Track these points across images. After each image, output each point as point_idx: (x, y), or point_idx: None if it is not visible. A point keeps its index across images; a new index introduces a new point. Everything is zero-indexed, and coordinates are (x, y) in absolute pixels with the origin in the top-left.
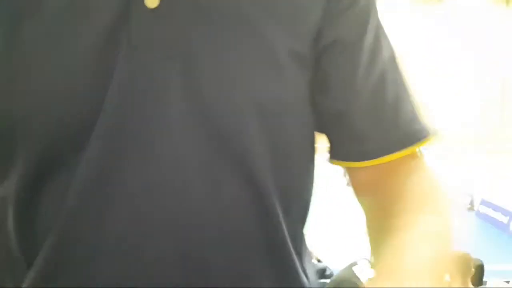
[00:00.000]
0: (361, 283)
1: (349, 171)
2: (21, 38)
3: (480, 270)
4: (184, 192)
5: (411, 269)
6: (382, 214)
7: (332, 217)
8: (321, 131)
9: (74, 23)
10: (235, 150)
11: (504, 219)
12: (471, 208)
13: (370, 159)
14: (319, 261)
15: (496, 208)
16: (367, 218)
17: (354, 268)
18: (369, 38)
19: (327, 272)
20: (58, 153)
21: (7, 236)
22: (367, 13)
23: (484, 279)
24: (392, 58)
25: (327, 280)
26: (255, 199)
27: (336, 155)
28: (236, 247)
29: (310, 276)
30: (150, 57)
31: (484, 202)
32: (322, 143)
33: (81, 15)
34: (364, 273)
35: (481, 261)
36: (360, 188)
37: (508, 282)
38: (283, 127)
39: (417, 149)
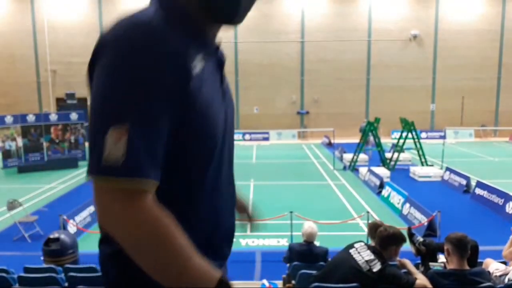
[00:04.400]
0: (359, 265)
1: None
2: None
3: (475, 250)
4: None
5: None
6: None
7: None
8: None
9: (218, 104)
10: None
11: (500, 201)
12: (467, 190)
13: None
14: (309, 242)
15: (491, 190)
16: None
17: (351, 251)
18: None
19: None
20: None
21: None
22: None
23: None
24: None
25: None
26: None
27: None
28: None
29: None
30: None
31: (480, 184)
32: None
33: (218, 98)
34: (361, 255)
35: (476, 241)
36: None
37: (505, 263)
38: None
39: None
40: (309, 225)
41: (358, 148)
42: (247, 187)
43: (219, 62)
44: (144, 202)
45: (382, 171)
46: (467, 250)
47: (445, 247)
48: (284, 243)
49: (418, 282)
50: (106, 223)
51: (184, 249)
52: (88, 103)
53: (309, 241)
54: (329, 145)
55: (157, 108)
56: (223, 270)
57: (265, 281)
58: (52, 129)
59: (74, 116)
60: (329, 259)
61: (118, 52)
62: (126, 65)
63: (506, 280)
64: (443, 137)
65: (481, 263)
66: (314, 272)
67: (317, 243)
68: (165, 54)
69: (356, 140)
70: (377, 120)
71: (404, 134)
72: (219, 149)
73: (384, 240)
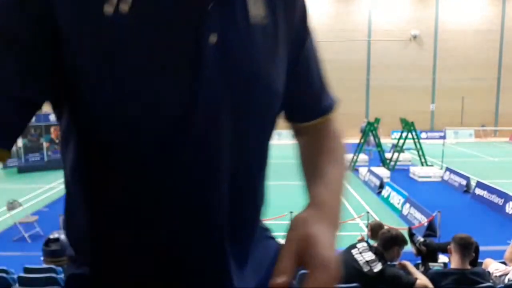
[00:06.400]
0: (360, 265)
1: (294, 127)
2: (125, 60)
3: (475, 251)
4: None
5: (330, 205)
6: (311, 151)
7: None
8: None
9: (162, 59)
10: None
11: (500, 201)
12: (467, 191)
13: (312, 119)
14: None
15: (491, 190)
16: (300, 151)
17: (353, 251)
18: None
19: None
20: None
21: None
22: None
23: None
24: (313, 43)
25: None
26: None
27: (289, 119)
28: None
29: None
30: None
31: (480, 185)
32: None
33: (166, 51)
34: (362, 255)
35: (476, 242)
36: (299, 132)
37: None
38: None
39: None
40: None
41: (358, 148)
42: None
43: None
44: None
45: (382, 171)
46: (469, 250)
47: (449, 246)
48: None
49: (418, 282)
50: None
51: None
52: None
53: None
54: None
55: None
56: None
57: None
58: (52, 129)
59: None
60: None
61: None
62: None
63: (506, 280)
64: (443, 137)
65: (481, 263)
66: None
67: None
68: None
69: (356, 140)
70: (377, 120)
71: (404, 134)
72: (134, 140)
73: (387, 242)
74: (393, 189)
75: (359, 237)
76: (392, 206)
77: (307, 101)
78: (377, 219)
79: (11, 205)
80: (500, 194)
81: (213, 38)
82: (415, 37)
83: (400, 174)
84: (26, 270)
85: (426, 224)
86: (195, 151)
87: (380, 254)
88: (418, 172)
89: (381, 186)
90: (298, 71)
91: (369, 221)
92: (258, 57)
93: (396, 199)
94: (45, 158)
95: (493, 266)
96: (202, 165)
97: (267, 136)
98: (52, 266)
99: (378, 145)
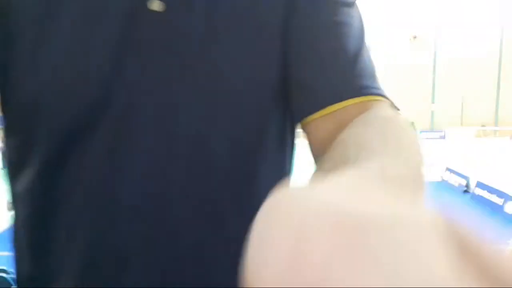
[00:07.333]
0: None
1: (307, 129)
2: (47, 37)
3: None
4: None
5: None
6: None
7: None
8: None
9: (89, 27)
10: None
11: (499, 201)
12: (467, 190)
13: (319, 109)
14: None
15: (491, 190)
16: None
17: None
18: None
19: None
20: (74, 136)
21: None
22: None
23: None
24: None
25: None
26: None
27: (296, 116)
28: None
29: None
30: (155, 50)
31: (480, 185)
32: None
33: (95, 20)
34: None
35: None
36: (316, 146)
37: None
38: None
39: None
40: None
41: None
42: None
43: None
44: None
45: None
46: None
47: None
48: None
49: None
50: None
51: None
52: None
53: None
54: None
55: None
56: None
57: None
58: None
59: None
60: None
61: None
62: None
63: None
64: (443, 137)
65: None
66: None
67: None
68: None
69: None
70: None
71: None
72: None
73: None
74: None
75: None
76: None
77: (319, 82)
78: None
79: (11, 205)
80: (500, 194)
81: (155, 6)
82: (415, 37)
83: None
84: None
85: None
86: (111, 138)
87: None
88: None
89: None
90: (296, 46)
91: None
92: (213, 35)
93: None
94: None
95: None
96: (120, 147)
97: (235, 135)
98: None
99: None
